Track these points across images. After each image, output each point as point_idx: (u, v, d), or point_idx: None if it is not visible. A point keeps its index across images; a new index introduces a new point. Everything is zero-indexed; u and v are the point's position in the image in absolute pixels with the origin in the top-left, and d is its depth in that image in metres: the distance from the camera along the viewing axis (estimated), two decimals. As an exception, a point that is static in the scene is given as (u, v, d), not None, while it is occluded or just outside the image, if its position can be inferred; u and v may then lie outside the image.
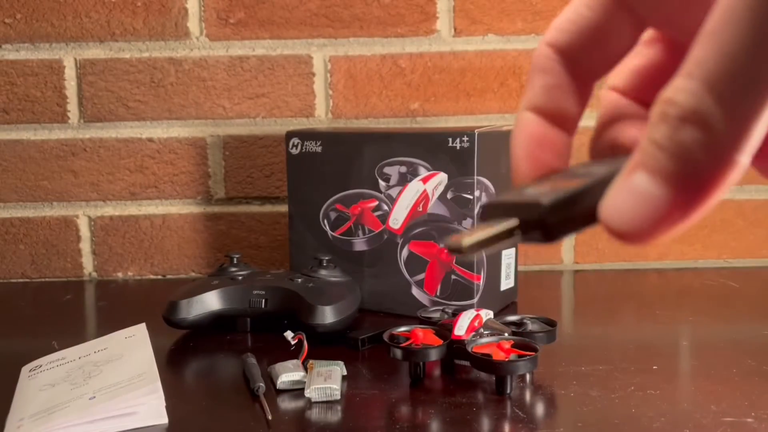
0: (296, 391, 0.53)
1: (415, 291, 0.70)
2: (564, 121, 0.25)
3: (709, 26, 0.19)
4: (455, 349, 0.54)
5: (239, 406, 0.51)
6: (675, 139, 0.19)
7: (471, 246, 0.22)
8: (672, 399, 0.51)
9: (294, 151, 0.75)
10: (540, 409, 0.50)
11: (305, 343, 0.59)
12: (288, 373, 0.54)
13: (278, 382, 0.53)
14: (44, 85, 0.87)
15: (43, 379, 0.54)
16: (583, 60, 0.24)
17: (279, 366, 0.55)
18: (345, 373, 0.55)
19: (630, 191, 0.20)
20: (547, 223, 0.22)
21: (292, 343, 0.60)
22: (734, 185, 0.93)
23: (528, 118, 0.25)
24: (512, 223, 0.22)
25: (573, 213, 0.22)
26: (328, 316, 0.62)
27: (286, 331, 0.61)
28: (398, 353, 0.53)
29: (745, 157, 0.19)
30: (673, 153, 0.19)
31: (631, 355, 0.60)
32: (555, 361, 0.57)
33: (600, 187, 0.21)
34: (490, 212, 0.22)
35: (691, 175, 0.19)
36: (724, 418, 0.47)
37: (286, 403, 0.51)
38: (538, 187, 0.23)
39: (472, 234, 0.22)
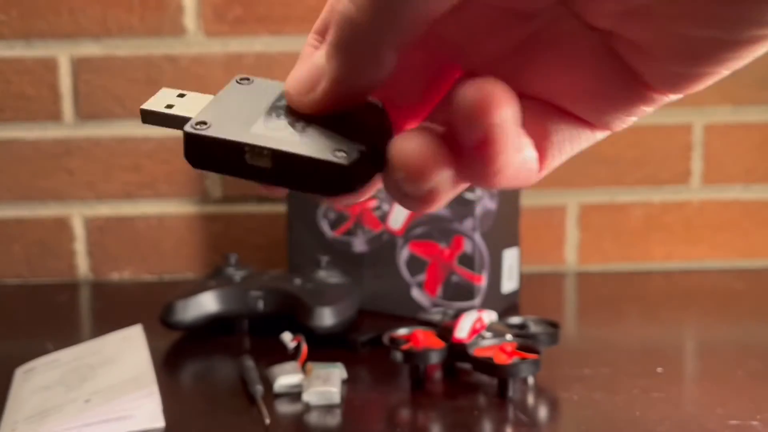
0: (295, 394, 0.52)
1: (416, 292, 0.69)
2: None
3: None
4: (457, 351, 0.53)
5: (237, 410, 0.50)
6: (335, 8, 0.21)
7: (146, 111, 0.24)
8: (677, 402, 0.51)
9: (292, 150, 0.74)
10: (543, 412, 0.50)
11: (304, 345, 0.58)
12: (285, 377, 0.53)
13: (274, 386, 0.52)
14: (39, 82, 0.86)
15: (37, 381, 0.54)
16: None
17: (276, 368, 0.54)
18: (345, 375, 0.54)
19: (308, 63, 0.23)
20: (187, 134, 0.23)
21: (290, 345, 0.59)
22: (739, 185, 0.91)
23: None
24: (189, 114, 0.24)
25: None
26: (326, 317, 0.61)
27: (290, 333, 0.60)
28: (399, 356, 0.53)
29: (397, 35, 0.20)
30: (335, 22, 0.21)
31: (635, 357, 0.59)
32: (558, 363, 0.57)
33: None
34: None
35: (344, 41, 0.21)
36: (730, 421, 0.47)
37: (285, 407, 0.51)
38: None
39: (156, 101, 0.25)
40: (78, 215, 0.88)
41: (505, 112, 0.19)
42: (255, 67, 0.86)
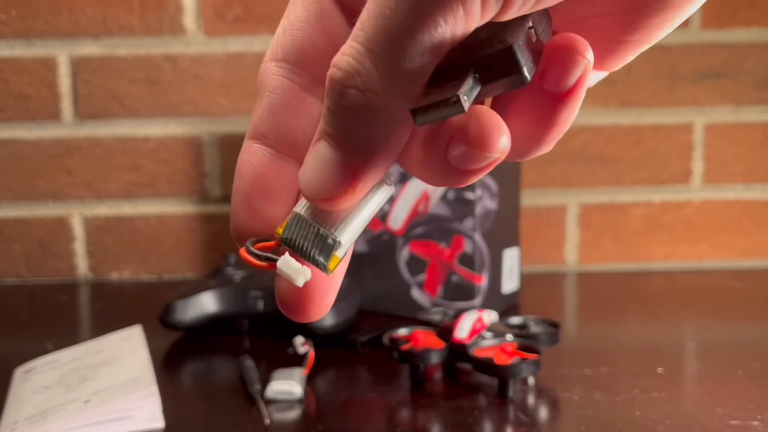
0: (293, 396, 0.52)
1: (416, 292, 0.69)
2: (296, 148, 0.23)
3: None
4: (457, 351, 0.53)
5: (236, 410, 0.50)
6: (340, 105, 0.19)
7: None
8: (677, 402, 0.51)
9: (292, 150, 0.74)
10: (543, 412, 0.50)
11: (311, 351, 0.57)
12: (280, 382, 0.52)
13: (267, 391, 0.51)
14: (38, 82, 0.86)
15: (37, 381, 0.54)
16: (314, 68, 0.23)
17: (282, 372, 0.53)
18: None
19: (314, 158, 0.20)
20: None
21: (300, 350, 0.58)
22: (740, 185, 0.91)
23: (253, 151, 0.23)
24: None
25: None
26: (326, 317, 0.61)
27: (295, 335, 0.59)
28: (399, 356, 0.53)
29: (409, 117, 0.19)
30: (339, 118, 0.19)
31: (635, 357, 0.59)
32: (558, 363, 0.57)
33: None
34: None
35: (358, 137, 0.19)
36: (730, 421, 0.47)
37: (284, 407, 0.51)
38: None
39: None
40: (77, 215, 0.88)
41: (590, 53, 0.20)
42: (254, 66, 0.86)
